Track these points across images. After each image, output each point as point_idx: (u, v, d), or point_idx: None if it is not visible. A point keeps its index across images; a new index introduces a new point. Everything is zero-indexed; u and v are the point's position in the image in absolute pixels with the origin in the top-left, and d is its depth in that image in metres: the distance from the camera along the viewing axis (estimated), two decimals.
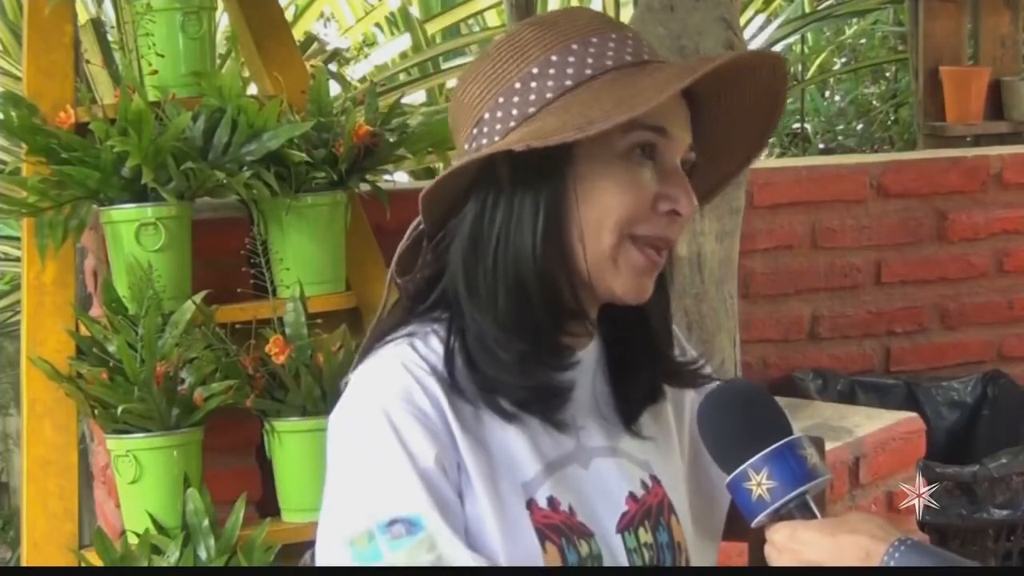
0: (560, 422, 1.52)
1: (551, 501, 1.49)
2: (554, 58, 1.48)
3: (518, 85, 1.48)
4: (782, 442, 1.41)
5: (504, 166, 1.47)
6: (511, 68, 1.49)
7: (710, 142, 1.57)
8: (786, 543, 1.39)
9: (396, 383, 1.48)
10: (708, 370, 1.66)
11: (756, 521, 1.41)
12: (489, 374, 1.48)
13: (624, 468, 1.57)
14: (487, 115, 1.50)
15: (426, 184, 1.51)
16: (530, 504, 1.48)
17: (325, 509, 1.49)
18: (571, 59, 1.48)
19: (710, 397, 1.51)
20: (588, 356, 1.58)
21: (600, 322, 1.59)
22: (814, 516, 1.41)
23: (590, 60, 1.48)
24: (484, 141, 1.49)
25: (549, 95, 1.47)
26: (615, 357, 1.60)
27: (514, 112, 1.48)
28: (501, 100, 1.49)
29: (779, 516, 1.41)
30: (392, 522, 1.42)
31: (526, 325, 1.48)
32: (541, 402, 1.50)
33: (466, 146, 1.52)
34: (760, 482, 1.40)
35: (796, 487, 1.40)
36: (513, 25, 1.59)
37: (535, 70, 1.48)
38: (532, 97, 1.48)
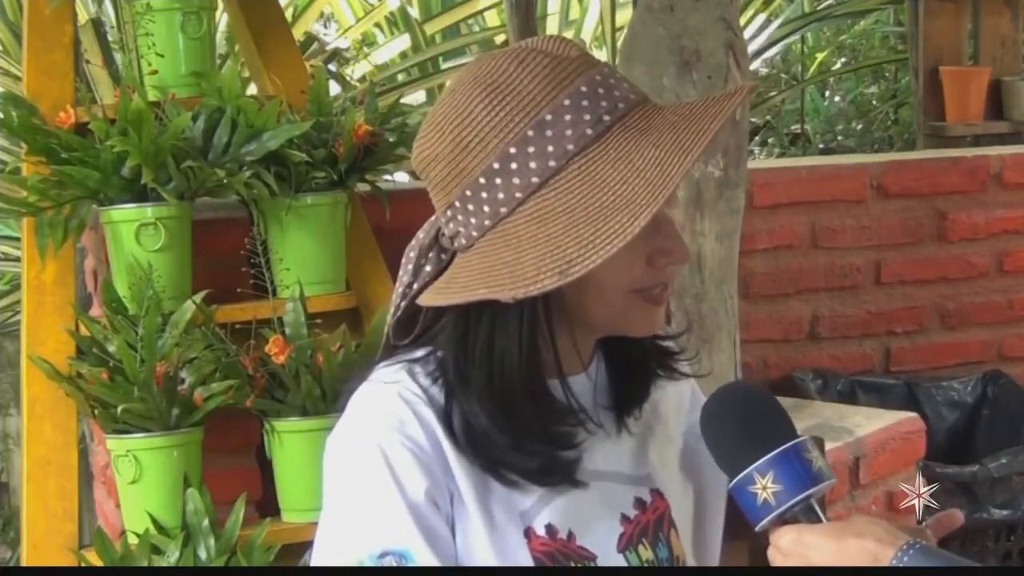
0: (578, 483, 1.50)
1: (549, 529, 1.48)
2: (512, 150, 1.41)
3: (483, 180, 1.42)
4: (788, 445, 1.39)
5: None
6: (474, 158, 1.43)
7: None
8: (792, 547, 1.38)
9: (392, 413, 1.46)
10: (686, 368, 1.63)
11: (761, 525, 1.40)
12: (486, 455, 1.47)
13: (617, 490, 1.55)
14: (457, 203, 1.45)
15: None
16: (528, 532, 1.47)
17: (319, 534, 1.50)
18: (531, 149, 1.41)
19: (713, 399, 1.50)
20: (589, 378, 1.56)
21: None
22: (819, 520, 1.39)
23: (551, 148, 1.41)
24: (461, 230, 1.45)
25: (518, 194, 1.41)
26: (610, 360, 1.59)
27: (486, 209, 1.43)
28: (467, 193, 1.44)
29: (784, 520, 1.39)
30: (383, 554, 1.42)
31: (519, 422, 1.46)
32: (548, 476, 1.48)
33: (442, 220, 1.48)
34: (765, 486, 1.38)
35: (802, 491, 1.38)
36: (459, 83, 1.46)
37: (496, 165, 1.42)
38: (500, 195, 1.42)
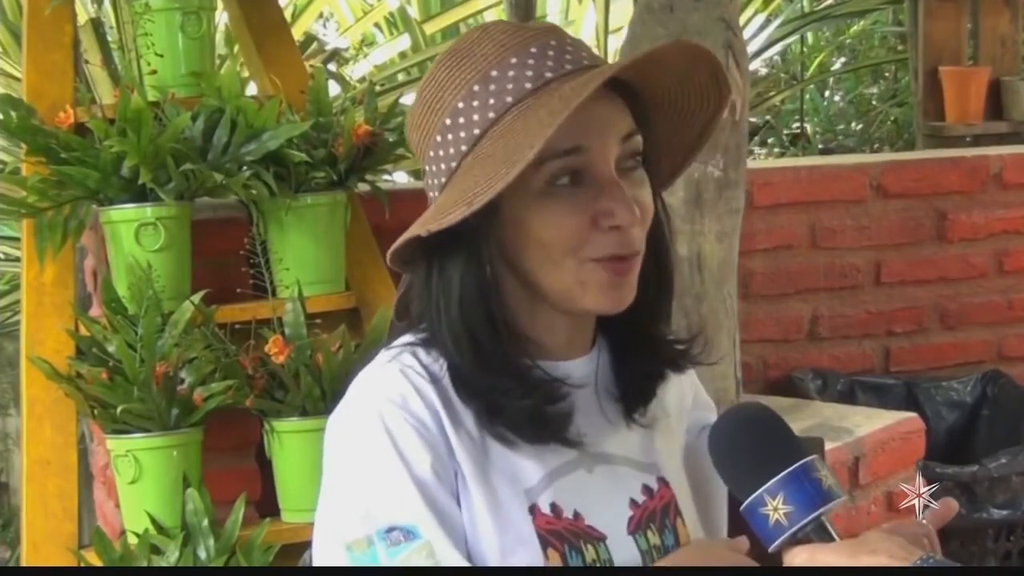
0: (566, 439, 1.51)
1: (554, 507, 1.49)
2: (460, 105, 1.47)
3: (439, 138, 1.49)
4: (797, 465, 1.40)
5: (432, 237, 1.46)
6: (434, 117, 1.50)
7: (663, 118, 1.54)
8: (806, 567, 1.38)
9: (394, 389, 1.48)
10: (697, 350, 1.64)
11: (773, 547, 1.40)
12: (481, 400, 1.48)
13: (625, 475, 1.56)
14: (429, 167, 1.51)
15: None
16: (533, 509, 1.48)
17: (321, 512, 1.50)
18: (475, 103, 1.47)
19: (720, 422, 1.51)
20: (588, 364, 1.57)
21: (599, 321, 1.58)
22: (832, 538, 1.40)
23: (492, 101, 1.46)
24: (431, 194, 1.52)
25: (464, 147, 1.47)
26: (616, 352, 1.60)
27: (442, 167, 1.49)
28: (431, 154, 1.50)
29: (796, 540, 1.40)
30: (391, 529, 1.43)
31: (495, 368, 1.48)
32: (536, 428, 1.49)
33: (428, 181, 1.54)
34: (776, 507, 1.39)
35: (813, 510, 1.39)
36: (437, 58, 1.53)
37: (448, 121, 1.48)
38: (451, 151, 1.48)
